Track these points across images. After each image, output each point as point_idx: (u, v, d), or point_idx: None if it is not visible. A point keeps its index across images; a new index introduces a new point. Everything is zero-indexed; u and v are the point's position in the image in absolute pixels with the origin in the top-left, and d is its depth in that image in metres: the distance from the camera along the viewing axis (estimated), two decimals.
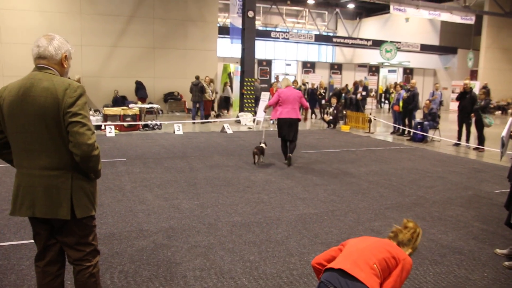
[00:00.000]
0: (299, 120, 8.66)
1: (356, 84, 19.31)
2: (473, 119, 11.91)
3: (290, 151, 8.71)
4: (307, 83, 21.86)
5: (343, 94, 18.84)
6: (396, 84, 17.95)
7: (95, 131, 2.55)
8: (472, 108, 11.73)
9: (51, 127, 2.48)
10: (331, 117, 16.09)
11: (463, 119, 12.13)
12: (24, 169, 2.58)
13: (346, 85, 20.99)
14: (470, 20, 23.18)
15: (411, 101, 13.68)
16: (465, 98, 11.89)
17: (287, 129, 8.57)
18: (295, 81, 18.54)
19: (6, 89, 2.59)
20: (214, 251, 4.37)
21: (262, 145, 8.84)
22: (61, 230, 2.67)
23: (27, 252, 4.23)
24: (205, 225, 5.15)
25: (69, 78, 2.73)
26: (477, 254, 4.47)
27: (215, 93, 17.24)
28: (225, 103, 19.51)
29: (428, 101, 13.41)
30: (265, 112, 12.60)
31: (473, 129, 11.95)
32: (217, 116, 18.10)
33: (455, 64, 29.26)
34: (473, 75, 28.15)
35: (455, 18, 22.86)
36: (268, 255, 4.32)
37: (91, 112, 15.37)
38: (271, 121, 17.02)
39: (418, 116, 14.50)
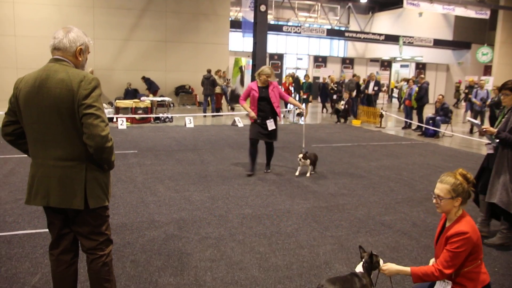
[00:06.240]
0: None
1: (368, 79, 19.13)
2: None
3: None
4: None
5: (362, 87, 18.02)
6: (408, 79, 17.71)
7: (108, 123, 2.58)
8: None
9: (66, 118, 2.51)
10: (345, 106, 15.84)
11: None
12: (39, 160, 2.62)
13: (366, 79, 19.59)
14: (485, 14, 22.83)
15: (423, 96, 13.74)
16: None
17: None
18: (306, 76, 18.49)
19: (22, 80, 2.63)
20: (225, 243, 4.41)
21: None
22: (75, 219, 2.71)
23: (40, 241, 4.31)
24: (215, 217, 5.19)
25: None
26: (487, 249, 4.45)
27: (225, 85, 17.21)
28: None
29: (441, 96, 13.30)
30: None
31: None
32: (232, 109, 18.13)
33: (469, 59, 28.92)
34: (487, 70, 27.81)
35: (470, 12, 22.54)
36: (278, 247, 4.34)
37: (104, 105, 15.55)
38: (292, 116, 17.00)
39: (430, 111, 14.42)
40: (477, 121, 5.13)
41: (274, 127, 7.26)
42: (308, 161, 7.34)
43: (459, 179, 2.71)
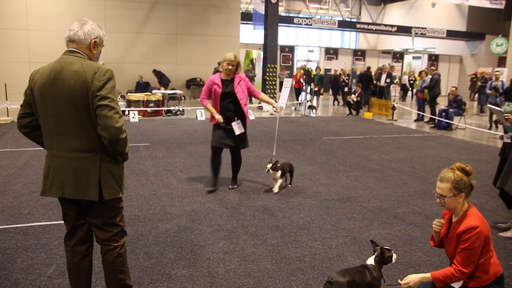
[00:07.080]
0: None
1: (379, 71, 18.97)
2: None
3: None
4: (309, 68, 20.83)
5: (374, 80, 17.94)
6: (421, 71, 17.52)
7: (122, 115, 2.59)
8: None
9: (80, 110, 2.53)
10: (358, 98, 15.71)
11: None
12: (54, 151, 2.64)
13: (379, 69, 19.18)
14: (500, 4, 22.48)
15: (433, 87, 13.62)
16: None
17: None
18: (318, 68, 18.40)
19: (38, 72, 2.64)
20: (237, 235, 4.42)
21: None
22: (89, 211, 2.73)
23: (55, 233, 4.36)
24: (228, 209, 5.21)
25: None
26: (502, 243, 4.41)
27: None
28: None
29: (454, 88, 13.15)
30: None
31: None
32: None
33: (482, 50, 28.50)
34: (501, 61, 27.40)
35: (484, 2, 22.21)
36: (290, 239, 4.35)
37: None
38: (293, 108, 16.97)
39: (443, 103, 14.27)
40: (499, 108, 5.05)
41: (242, 131, 5.78)
42: (278, 173, 5.87)
43: (458, 175, 2.67)
